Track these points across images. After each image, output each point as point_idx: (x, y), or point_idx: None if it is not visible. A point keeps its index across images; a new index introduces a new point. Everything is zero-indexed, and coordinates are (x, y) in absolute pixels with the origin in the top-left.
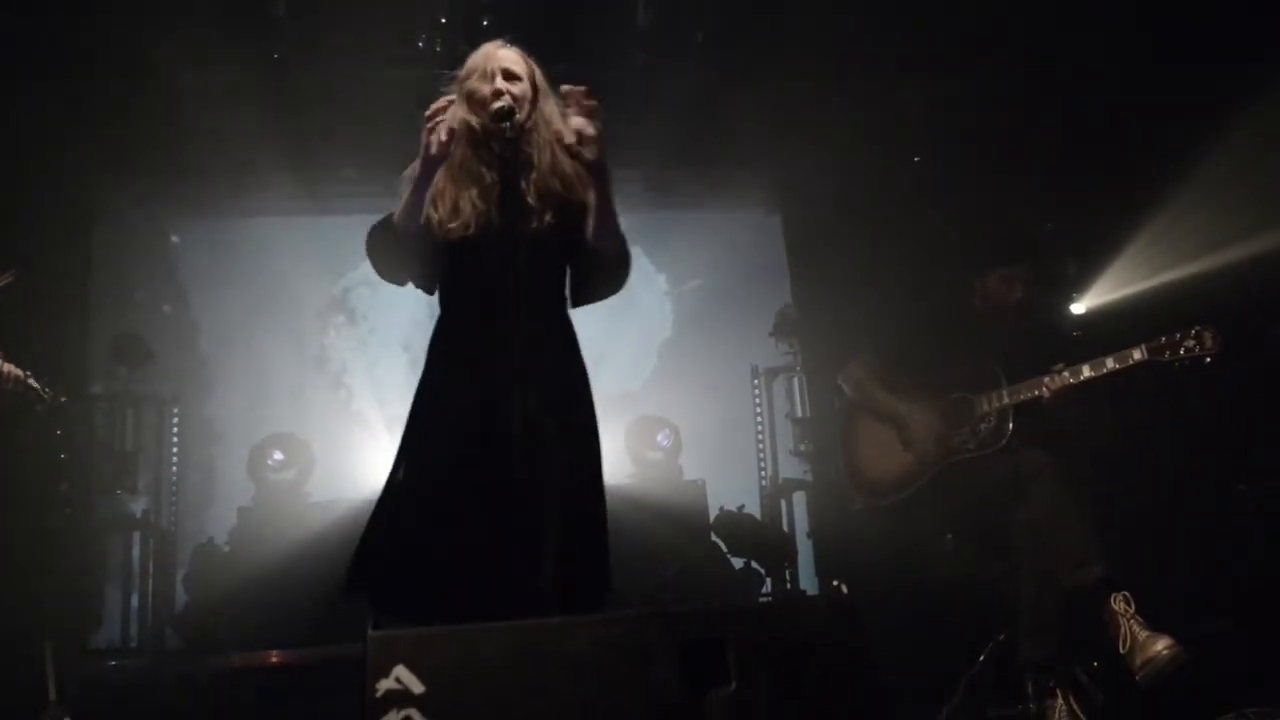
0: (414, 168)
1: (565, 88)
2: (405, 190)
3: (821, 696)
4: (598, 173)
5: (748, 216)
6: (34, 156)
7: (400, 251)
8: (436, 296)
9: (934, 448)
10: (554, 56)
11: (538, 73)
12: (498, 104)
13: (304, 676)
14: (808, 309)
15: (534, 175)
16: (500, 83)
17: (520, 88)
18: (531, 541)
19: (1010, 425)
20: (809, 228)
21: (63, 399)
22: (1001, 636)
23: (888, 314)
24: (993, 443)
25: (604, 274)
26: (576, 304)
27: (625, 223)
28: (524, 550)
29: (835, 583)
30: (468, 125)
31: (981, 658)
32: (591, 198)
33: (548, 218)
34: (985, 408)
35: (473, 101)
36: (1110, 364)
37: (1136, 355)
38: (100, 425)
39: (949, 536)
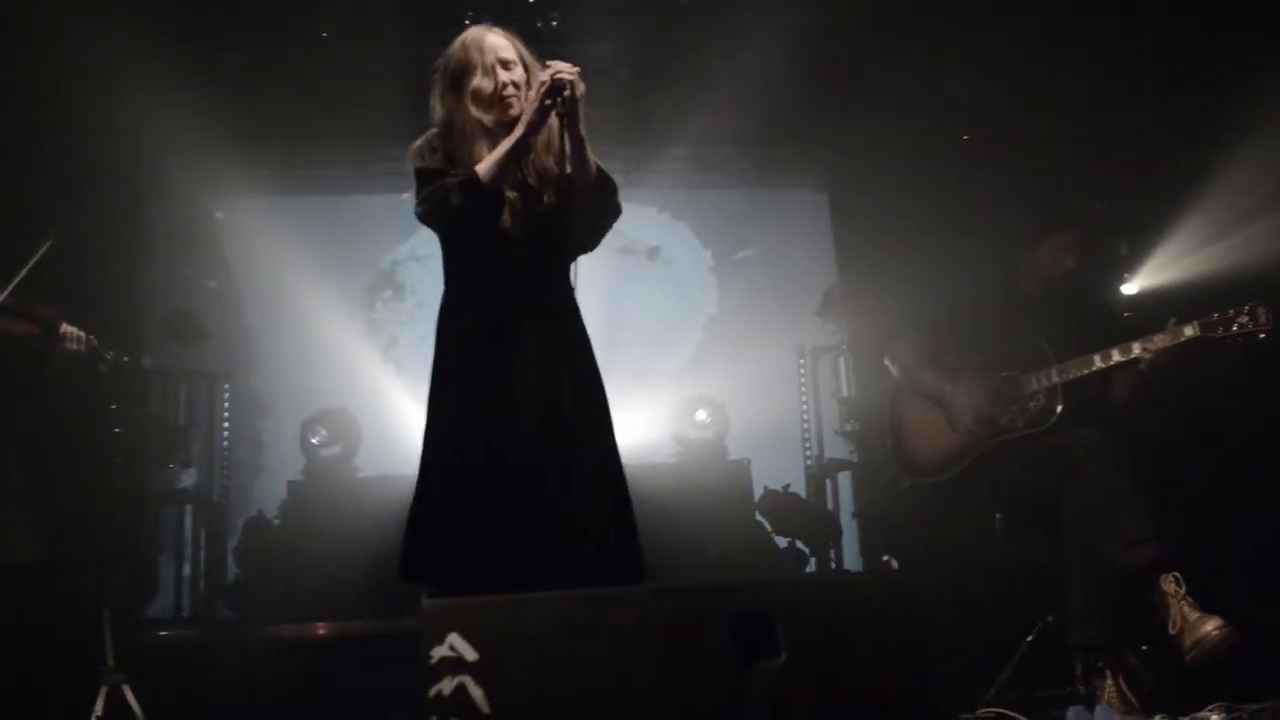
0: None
1: (550, 63)
2: (471, 137)
3: (871, 672)
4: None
5: (794, 193)
6: (90, 134)
7: (488, 208)
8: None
9: (982, 427)
10: (599, 34)
11: (526, 53)
12: (559, 85)
13: (351, 648)
14: (854, 288)
15: (531, 156)
16: (503, 75)
17: (518, 73)
18: (560, 523)
19: (1060, 404)
20: (856, 205)
21: (125, 359)
22: (1050, 617)
23: (935, 292)
24: (1042, 421)
25: (594, 203)
26: (589, 245)
27: (671, 198)
28: (555, 531)
29: (885, 558)
30: (480, 124)
31: (1030, 638)
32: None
33: (547, 198)
34: (1034, 386)
35: (478, 100)
36: (1162, 340)
37: (1188, 331)
38: (153, 400)
39: (998, 516)
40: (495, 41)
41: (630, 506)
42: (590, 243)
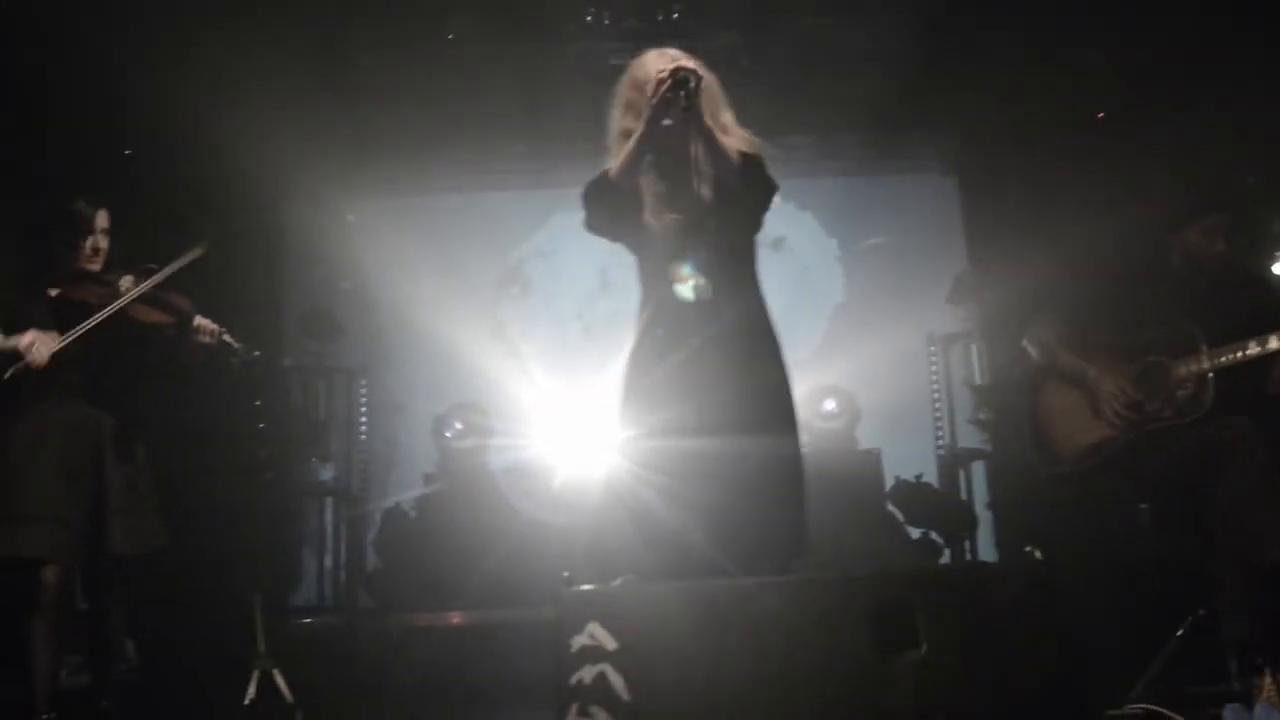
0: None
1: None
2: (622, 146)
3: (1014, 664)
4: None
5: (922, 179)
6: (231, 142)
7: (613, 204)
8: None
9: (1129, 414)
10: (722, 24)
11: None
12: (681, 79)
13: (484, 637)
14: (986, 273)
15: (674, 155)
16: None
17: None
18: (738, 510)
19: (1210, 392)
20: (987, 188)
21: (256, 353)
22: (1202, 611)
23: (1072, 275)
24: (1191, 411)
25: (744, 188)
26: (753, 228)
27: (795, 188)
28: (736, 519)
29: (1027, 548)
30: (626, 132)
31: (1180, 633)
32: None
33: (701, 193)
34: (1182, 372)
35: (628, 110)
36: None
37: None
38: (294, 396)
39: (1142, 508)
40: (653, 57)
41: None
42: (753, 226)
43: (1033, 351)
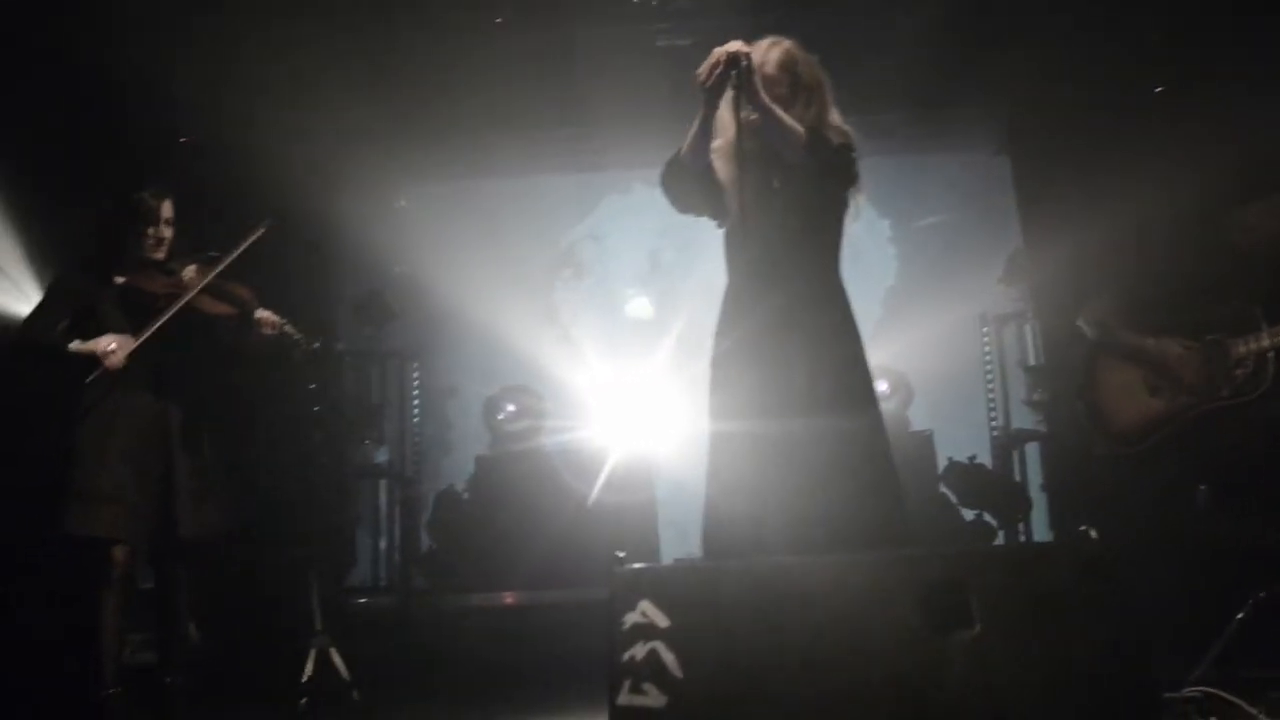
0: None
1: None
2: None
3: (1070, 646)
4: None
5: (973, 158)
6: (286, 126)
7: (684, 184)
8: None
9: (1185, 393)
10: (768, 4)
11: (797, 56)
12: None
13: (536, 617)
14: (1040, 252)
15: (745, 138)
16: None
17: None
18: (830, 489)
19: (1271, 371)
20: (1040, 167)
21: (316, 344)
22: (1263, 594)
23: (1129, 253)
24: (1251, 389)
25: (815, 165)
26: (835, 210)
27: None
28: (827, 499)
29: (1083, 528)
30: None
31: (1241, 615)
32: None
33: (775, 179)
34: (1242, 351)
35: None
36: None
37: None
38: (348, 380)
39: (1201, 488)
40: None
41: (893, 480)
42: (830, 205)
43: (1088, 330)
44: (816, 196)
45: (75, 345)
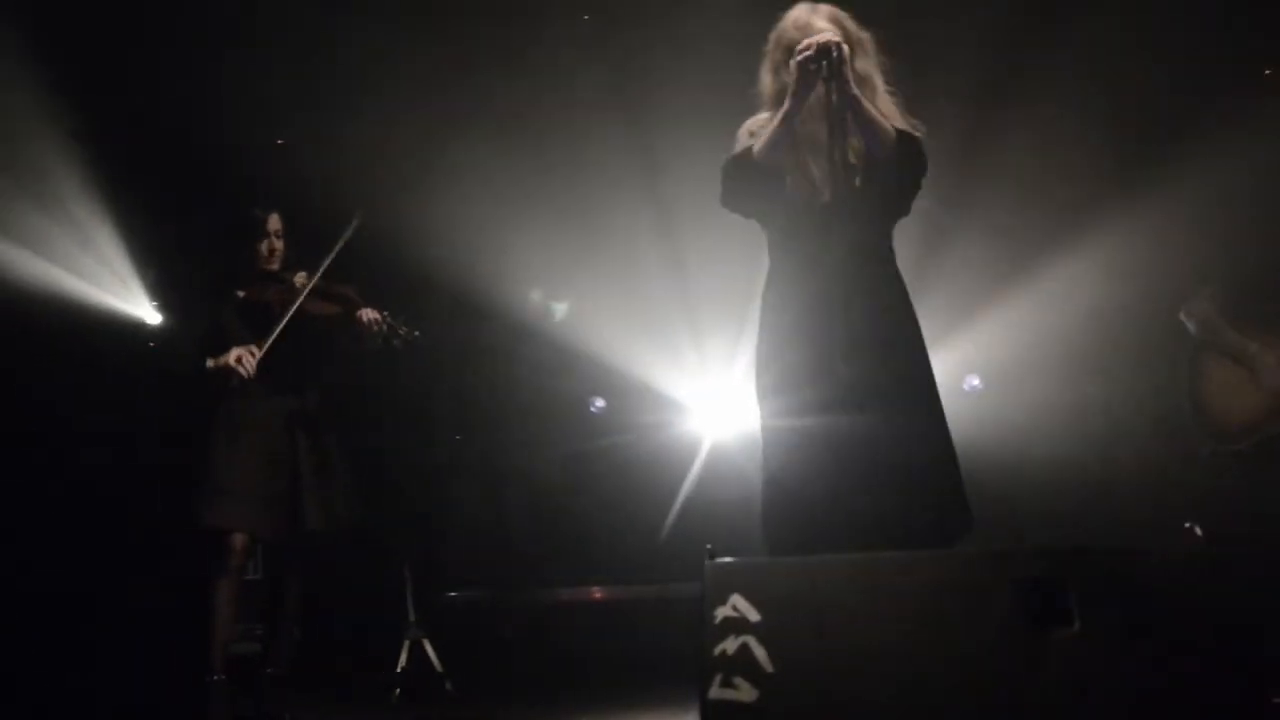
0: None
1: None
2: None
3: (1173, 645)
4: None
5: None
6: (376, 123)
7: (753, 183)
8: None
9: None
10: None
11: (846, 23)
12: (824, 49)
13: (627, 611)
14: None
15: (850, 138)
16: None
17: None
18: (884, 484)
19: None
20: (1138, 155)
21: (417, 334)
22: None
23: (1230, 245)
24: None
25: (896, 165)
26: (900, 208)
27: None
28: (880, 494)
29: (1187, 525)
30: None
31: None
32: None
33: (847, 168)
34: None
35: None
36: None
37: None
38: (445, 375)
39: None
40: (800, 14)
41: (954, 467)
42: (900, 204)
43: (1191, 326)
44: (886, 194)
45: (210, 364)
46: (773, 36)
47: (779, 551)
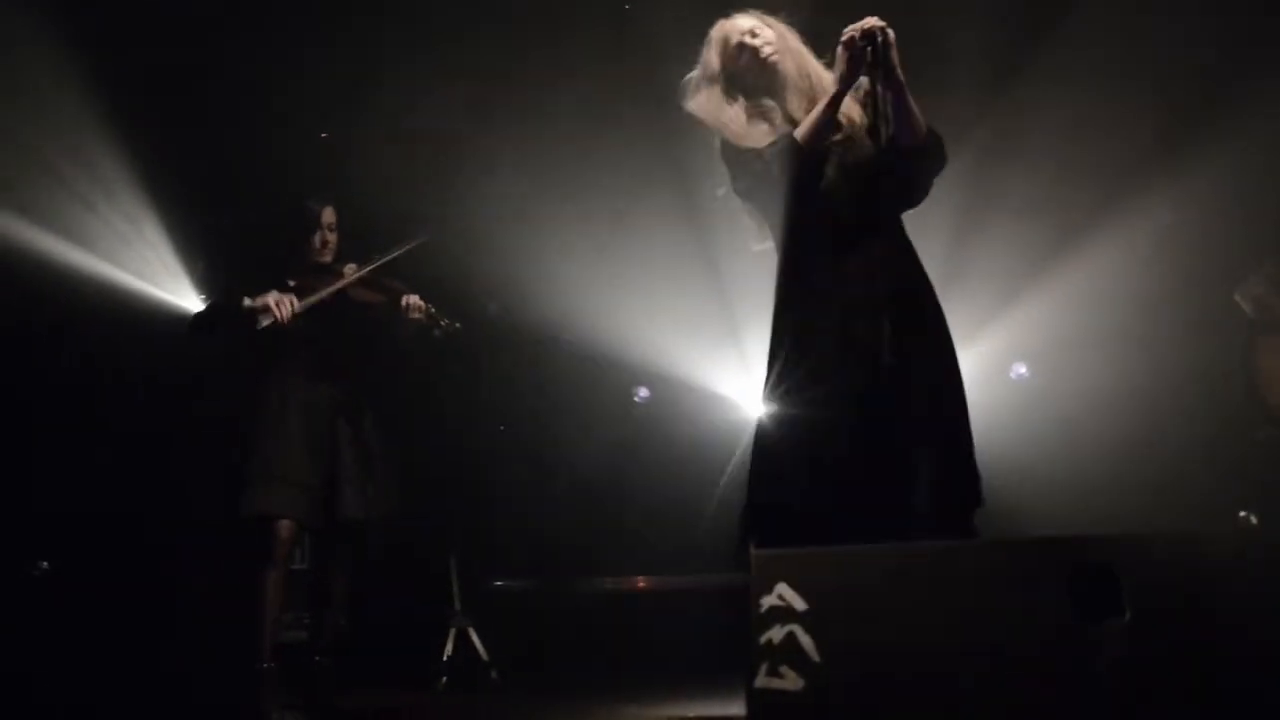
0: None
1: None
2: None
3: (1229, 637)
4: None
5: None
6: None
7: (800, 173)
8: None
9: None
10: None
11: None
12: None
13: (668, 600)
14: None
15: (852, 112)
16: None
17: (765, 34)
18: (900, 463)
19: None
20: (1185, 129)
21: (458, 324)
22: None
23: None
24: None
25: (920, 156)
26: (914, 198)
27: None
28: (894, 472)
29: (1242, 513)
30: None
31: None
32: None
33: (870, 153)
34: None
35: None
36: None
37: None
38: (487, 364)
39: None
40: (730, 25)
41: (969, 445)
42: (915, 195)
43: (1246, 306)
44: (908, 185)
45: (247, 301)
46: (714, 49)
47: (759, 501)
